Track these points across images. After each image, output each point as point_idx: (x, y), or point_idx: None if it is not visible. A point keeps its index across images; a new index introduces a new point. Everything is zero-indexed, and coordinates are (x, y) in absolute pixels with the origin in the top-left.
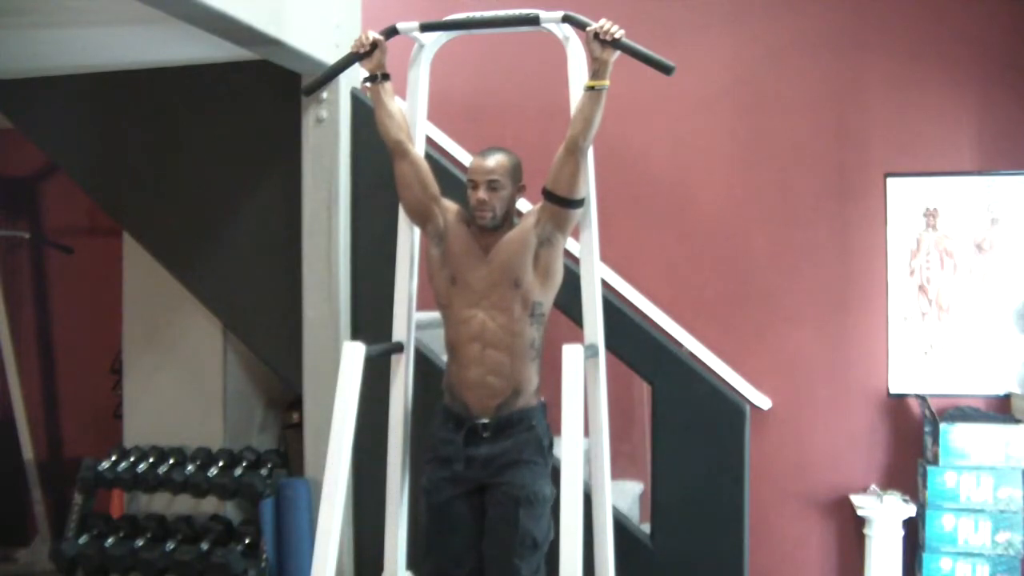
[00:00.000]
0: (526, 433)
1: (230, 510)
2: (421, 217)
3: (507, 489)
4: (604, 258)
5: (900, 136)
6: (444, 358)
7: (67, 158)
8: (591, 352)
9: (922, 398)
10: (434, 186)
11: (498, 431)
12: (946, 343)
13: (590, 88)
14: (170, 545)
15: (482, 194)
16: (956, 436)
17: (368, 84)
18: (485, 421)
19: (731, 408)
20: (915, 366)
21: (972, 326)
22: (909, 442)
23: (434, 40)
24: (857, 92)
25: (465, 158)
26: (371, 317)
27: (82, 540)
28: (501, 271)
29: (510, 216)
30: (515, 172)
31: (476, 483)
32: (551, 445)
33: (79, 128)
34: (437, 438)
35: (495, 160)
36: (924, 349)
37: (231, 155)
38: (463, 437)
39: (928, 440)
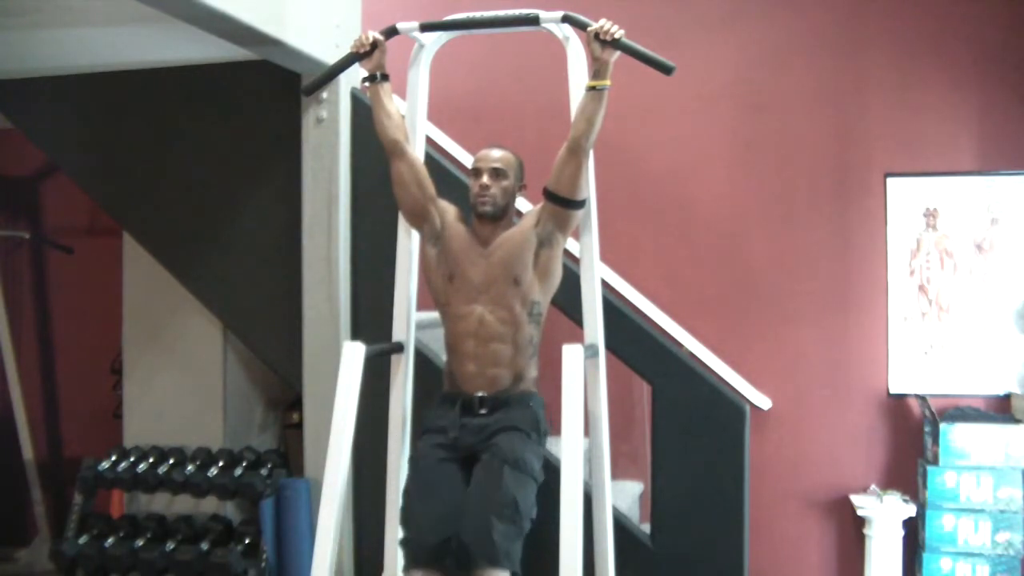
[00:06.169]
0: (522, 409)
1: (230, 510)
2: (417, 217)
3: (495, 451)
4: (604, 258)
5: (900, 136)
6: (444, 358)
7: (67, 158)
8: (591, 352)
9: (922, 398)
10: (431, 187)
11: (495, 406)
12: (946, 343)
13: (591, 88)
14: (170, 545)
15: (486, 179)
16: (956, 436)
17: (367, 84)
18: (483, 395)
19: (731, 408)
20: (915, 366)
21: (972, 326)
22: (909, 442)
23: (434, 40)
24: (857, 92)
25: (465, 158)
26: (371, 317)
27: (82, 540)
28: (501, 267)
29: (510, 211)
30: (518, 168)
31: (467, 451)
32: (546, 433)
33: (79, 128)
34: (433, 414)
35: (500, 152)
36: (924, 349)
37: (231, 155)
38: (459, 408)
39: (928, 440)
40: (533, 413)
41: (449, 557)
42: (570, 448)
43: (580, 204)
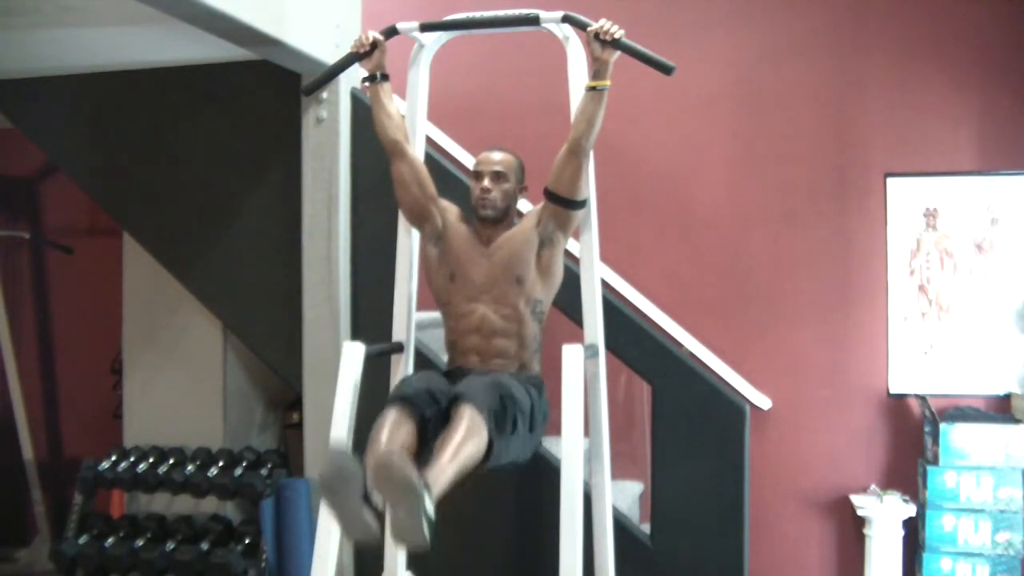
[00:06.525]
0: (527, 375)
1: (230, 510)
2: (419, 218)
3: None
4: (604, 258)
5: (900, 136)
6: (444, 358)
7: (67, 158)
8: (591, 352)
9: (922, 398)
10: (431, 186)
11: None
12: (946, 343)
13: (591, 88)
14: (170, 545)
15: (487, 183)
16: (956, 436)
17: (367, 84)
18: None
19: (731, 408)
20: (915, 366)
21: (972, 326)
22: (909, 442)
23: (434, 40)
24: (857, 92)
25: (465, 158)
26: (371, 317)
27: (82, 540)
28: (503, 267)
29: (511, 213)
30: (519, 170)
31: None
32: (546, 417)
33: (79, 128)
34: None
35: (501, 154)
36: (924, 349)
37: (231, 155)
38: (457, 372)
39: (928, 440)
40: (538, 379)
41: (430, 409)
42: (570, 448)
43: (580, 204)
